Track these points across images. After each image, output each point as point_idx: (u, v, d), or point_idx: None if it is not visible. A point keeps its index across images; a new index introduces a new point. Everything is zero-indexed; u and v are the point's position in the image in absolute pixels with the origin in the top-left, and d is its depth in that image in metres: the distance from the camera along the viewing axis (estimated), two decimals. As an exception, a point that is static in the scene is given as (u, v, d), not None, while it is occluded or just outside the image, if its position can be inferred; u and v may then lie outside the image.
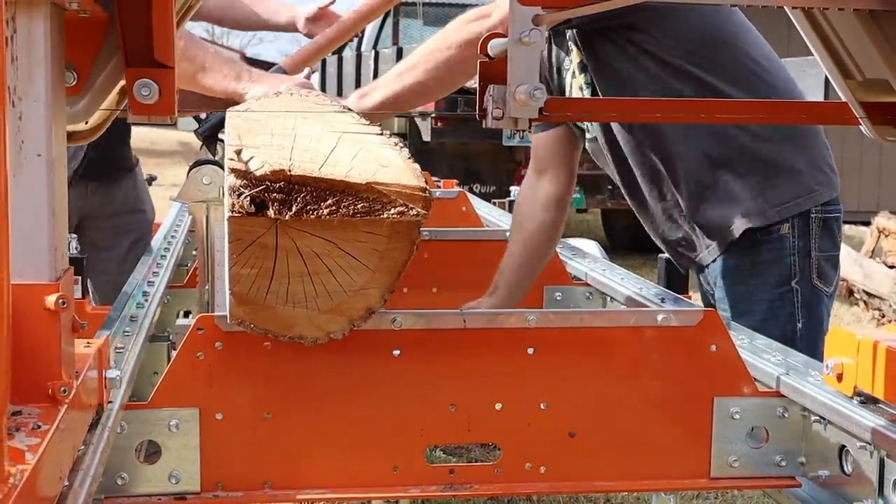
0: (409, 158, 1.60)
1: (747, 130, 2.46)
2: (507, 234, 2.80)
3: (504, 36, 1.51)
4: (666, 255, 2.70)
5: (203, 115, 3.84)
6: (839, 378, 1.64)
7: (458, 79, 2.52)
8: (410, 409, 1.70)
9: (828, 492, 1.70)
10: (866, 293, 7.23)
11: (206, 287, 2.52)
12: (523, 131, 1.75)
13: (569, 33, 2.52)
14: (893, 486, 1.53)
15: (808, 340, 2.39)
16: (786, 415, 1.76)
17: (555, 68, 2.68)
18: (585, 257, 3.06)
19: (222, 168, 2.46)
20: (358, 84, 10.74)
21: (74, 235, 2.81)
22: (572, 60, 2.58)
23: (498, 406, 1.73)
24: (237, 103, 2.33)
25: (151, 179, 5.77)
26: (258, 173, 1.47)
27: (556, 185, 2.65)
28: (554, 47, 2.64)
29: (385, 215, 1.50)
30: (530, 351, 1.72)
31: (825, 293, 2.47)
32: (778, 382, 1.79)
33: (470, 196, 3.72)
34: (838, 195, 2.53)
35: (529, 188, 2.69)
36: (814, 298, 2.45)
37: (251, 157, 1.50)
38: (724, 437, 1.76)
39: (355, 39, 11.06)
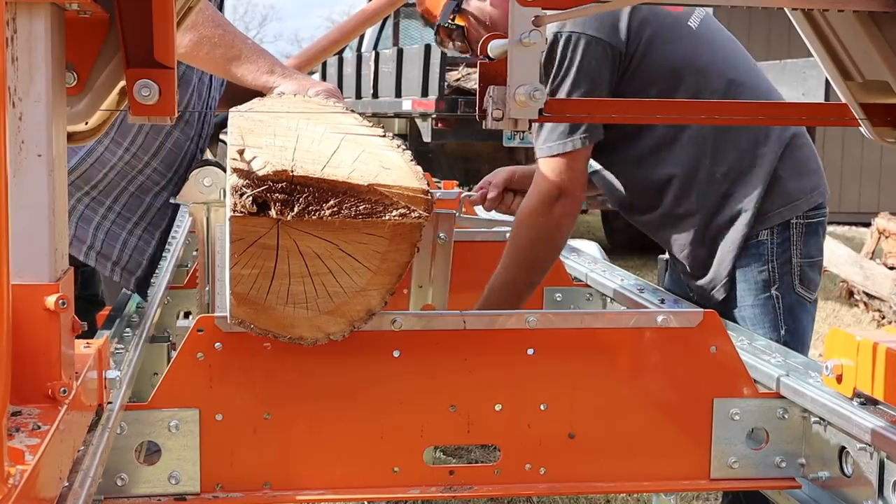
0: (412, 161, 1.60)
1: (729, 138, 2.42)
2: (508, 234, 2.80)
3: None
4: (666, 255, 2.69)
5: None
6: (839, 379, 1.64)
7: None
8: (410, 409, 1.70)
9: (828, 493, 1.70)
10: (866, 294, 7.23)
11: (207, 288, 2.52)
12: (523, 132, 1.74)
13: None
14: (893, 487, 1.53)
15: (792, 348, 2.36)
16: (786, 416, 1.76)
17: None
18: (585, 258, 3.06)
19: (223, 170, 2.46)
20: (359, 85, 10.74)
21: None
22: None
23: (498, 407, 1.73)
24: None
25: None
26: (260, 173, 1.47)
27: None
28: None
29: (387, 217, 1.50)
30: (530, 352, 1.72)
31: (808, 300, 2.42)
32: (778, 384, 1.79)
33: (470, 197, 3.71)
34: (824, 200, 2.45)
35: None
36: (797, 306, 2.40)
37: (254, 157, 1.50)
38: (724, 439, 1.76)
39: (355, 40, 11.05)
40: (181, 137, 2.49)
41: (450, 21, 2.57)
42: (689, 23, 2.43)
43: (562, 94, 2.33)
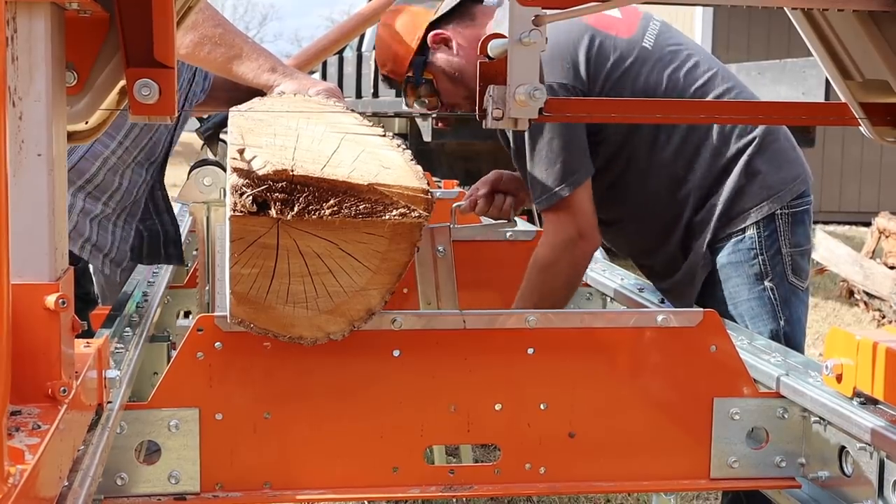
0: (412, 160, 1.60)
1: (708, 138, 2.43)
2: (508, 234, 2.81)
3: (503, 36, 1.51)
4: None
5: (205, 115, 3.84)
6: (839, 379, 1.64)
7: None
8: (410, 409, 1.70)
9: (828, 493, 1.70)
10: (867, 294, 7.22)
11: (207, 287, 2.52)
12: (523, 132, 1.74)
13: None
14: (893, 486, 1.53)
15: (791, 338, 2.37)
16: (785, 416, 1.76)
17: None
18: (585, 258, 3.05)
19: (223, 169, 2.46)
20: (359, 84, 10.73)
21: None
22: None
23: (498, 406, 1.73)
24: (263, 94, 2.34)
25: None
26: (261, 173, 1.47)
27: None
28: None
29: (387, 216, 1.50)
30: (530, 351, 1.72)
31: (801, 289, 2.43)
32: (778, 383, 1.79)
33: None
34: (808, 187, 2.46)
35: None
36: (791, 296, 2.41)
37: (254, 157, 1.50)
38: (724, 438, 1.76)
39: (356, 40, 11.05)
40: (157, 127, 2.50)
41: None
42: (643, 44, 2.44)
43: (542, 144, 2.35)
